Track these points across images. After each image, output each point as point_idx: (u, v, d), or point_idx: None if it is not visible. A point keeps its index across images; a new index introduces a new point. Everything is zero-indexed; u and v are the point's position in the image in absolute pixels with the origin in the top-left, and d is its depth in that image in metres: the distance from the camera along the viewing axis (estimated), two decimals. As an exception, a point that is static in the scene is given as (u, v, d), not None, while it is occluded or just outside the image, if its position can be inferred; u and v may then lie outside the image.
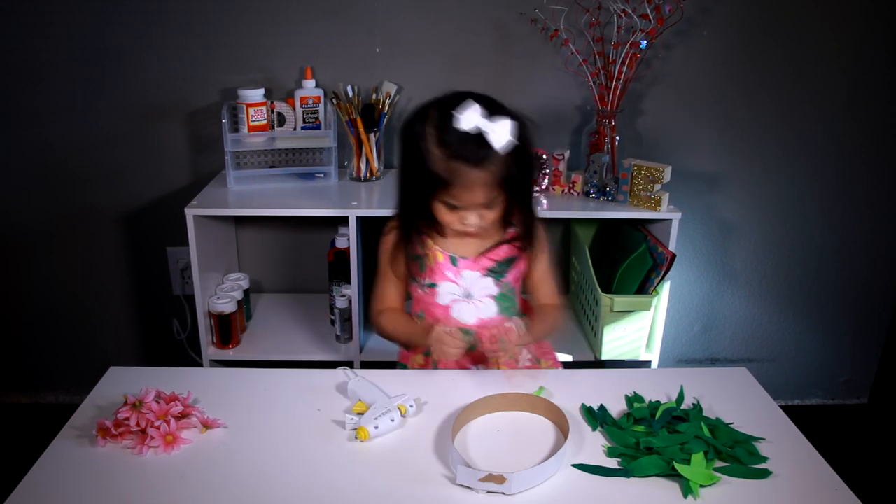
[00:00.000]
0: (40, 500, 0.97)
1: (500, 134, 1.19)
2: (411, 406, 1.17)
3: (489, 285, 1.40)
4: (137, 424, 1.07)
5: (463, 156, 1.20)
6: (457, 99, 1.21)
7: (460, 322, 1.41)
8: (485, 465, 1.03)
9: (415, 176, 1.27)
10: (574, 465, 1.05)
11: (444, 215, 1.29)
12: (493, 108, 1.21)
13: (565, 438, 1.08)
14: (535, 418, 1.17)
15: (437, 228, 1.36)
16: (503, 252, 1.39)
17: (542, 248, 1.43)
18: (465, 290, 1.40)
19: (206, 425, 1.11)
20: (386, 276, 1.46)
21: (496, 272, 1.39)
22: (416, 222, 1.35)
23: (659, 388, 1.25)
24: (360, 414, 1.13)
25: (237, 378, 1.27)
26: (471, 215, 1.27)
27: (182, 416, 1.11)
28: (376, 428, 1.10)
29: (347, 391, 1.21)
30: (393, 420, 1.12)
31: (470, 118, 1.19)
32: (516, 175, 1.24)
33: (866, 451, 2.26)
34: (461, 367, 1.40)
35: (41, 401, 2.42)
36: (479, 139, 1.19)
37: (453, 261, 1.38)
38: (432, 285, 1.40)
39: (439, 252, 1.38)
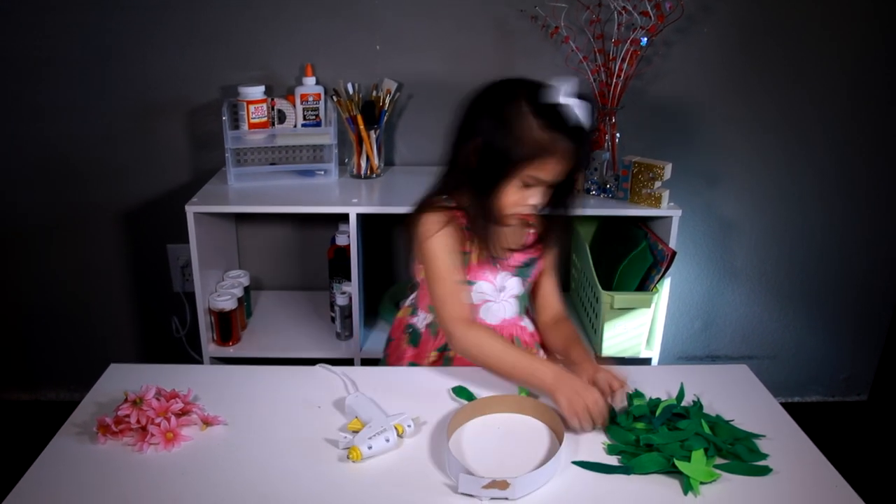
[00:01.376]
0: (41, 497, 0.97)
1: (586, 112, 1.21)
2: (409, 426, 1.11)
3: (515, 285, 1.41)
4: (138, 421, 1.07)
5: (562, 127, 1.20)
6: (525, 81, 1.24)
7: (485, 322, 1.41)
8: (481, 470, 1.02)
9: (500, 151, 1.24)
10: (574, 463, 1.05)
11: (513, 195, 1.27)
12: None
13: (559, 437, 1.09)
14: (527, 420, 1.17)
15: (479, 224, 1.33)
16: (529, 251, 1.41)
17: (551, 247, 1.44)
18: (498, 290, 1.40)
19: (207, 422, 1.11)
20: (452, 277, 1.32)
21: (522, 271, 1.40)
22: (491, 211, 1.30)
23: (659, 385, 1.25)
24: (356, 432, 1.08)
25: (237, 375, 1.27)
26: (538, 194, 1.27)
27: (182, 413, 1.11)
28: (370, 448, 1.04)
29: (345, 407, 1.15)
30: (388, 440, 1.06)
31: (569, 91, 1.20)
32: (582, 161, 1.28)
33: (866, 448, 2.26)
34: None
35: (41, 398, 2.42)
36: (567, 115, 1.20)
37: (493, 260, 1.38)
38: (470, 283, 1.39)
39: (482, 249, 1.37)
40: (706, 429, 1.09)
